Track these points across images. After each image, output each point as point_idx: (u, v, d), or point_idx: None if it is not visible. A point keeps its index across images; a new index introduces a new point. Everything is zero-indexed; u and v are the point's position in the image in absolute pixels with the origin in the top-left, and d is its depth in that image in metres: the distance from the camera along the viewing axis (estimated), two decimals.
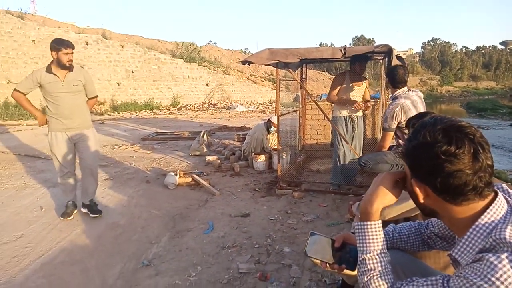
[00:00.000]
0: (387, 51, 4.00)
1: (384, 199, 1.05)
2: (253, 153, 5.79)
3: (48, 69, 3.30)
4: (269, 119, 5.97)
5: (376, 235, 1.06)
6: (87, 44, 16.01)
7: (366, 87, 4.66)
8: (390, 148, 3.40)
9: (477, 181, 0.86)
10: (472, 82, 55.16)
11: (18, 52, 14.64)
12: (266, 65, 4.42)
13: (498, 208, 0.89)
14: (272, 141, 6.02)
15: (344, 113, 4.51)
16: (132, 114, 15.41)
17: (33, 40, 14.95)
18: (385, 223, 2.17)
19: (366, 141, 6.00)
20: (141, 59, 17.62)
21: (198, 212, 3.80)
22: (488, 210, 0.89)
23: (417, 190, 0.95)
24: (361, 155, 4.53)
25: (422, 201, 0.96)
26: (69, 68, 3.33)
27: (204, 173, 5.30)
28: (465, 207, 0.90)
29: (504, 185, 1.01)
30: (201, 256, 2.82)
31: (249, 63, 4.36)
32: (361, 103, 4.41)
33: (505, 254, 0.80)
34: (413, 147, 0.94)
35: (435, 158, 0.87)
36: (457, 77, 53.79)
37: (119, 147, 7.40)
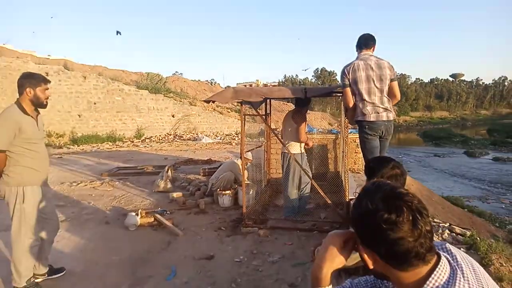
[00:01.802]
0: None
1: (333, 263, 1.06)
2: (218, 189, 5.73)
3: (22, 110, 2.79)
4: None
5: None
6: (47, 75, 15.50)
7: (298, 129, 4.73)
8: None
9: (419, 247, 0.89)
10: (427, 112, 58.76)
11: None
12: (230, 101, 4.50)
13: (442, 273, 0.92)
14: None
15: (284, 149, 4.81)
16: (93, 146, 14.88)
17: None
18: (341, 271, 2.19)
19: (329, 175, 6.16)
20: (104, 90, 17.29)
21: (161, 256, 3.65)
22: (432, 276, 0.92)
23: (366, 257, 0.98)
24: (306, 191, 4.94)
25: (371, 267, 0.98)
26: (44, 107, 2.91)
27: (168, 211, 5.16)
28: (410, 272, 0.93)
29: (447, 245, 1.04)
30: None
31: (213, 101, 4.41)
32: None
33: None
34: (358, 215, 0.97)
35: (378, 226, 0.90)
36: (413, 107, 57.17)
37: (78, 184, 7.07)
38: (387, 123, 3.56)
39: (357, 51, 3.69)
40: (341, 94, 5.18)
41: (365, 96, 3.50)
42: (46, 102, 2.90)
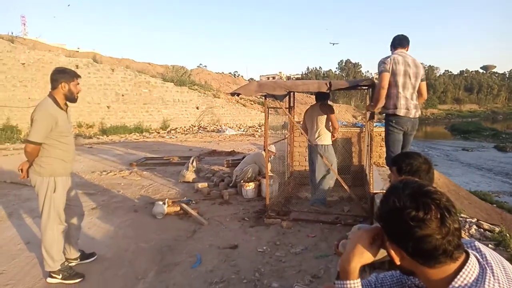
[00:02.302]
0: (371, 84, 4.16)
1: (361, 258, 1.08)
2: (242, 180, 5.81)
3: (57, 103, 2.90)
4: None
5: None
6: (77, 68, 16.05)
7: (325, 110, 5.02)
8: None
9: (447, 245, 0.90)
10: (456, 105, 56.68)
11: (7, 75, 14.58)
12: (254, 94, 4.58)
13: (470, 271, 0.92)
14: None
15: (311, 141, 5.03)
16: (122, 137, 15.34)
17: (23, 64, 14.93)
18: (366, 265, 2.20)
19: (352, 168, 6.11)
20: (132, 83, 17.72)
21: (186, 244, 3.77)
22: (460, 273, 0.92)
23: (393, 253, 0.99)
24: (332, 182, 5.05)
25: (398, 263, 1.00)
26: (75, 101, 3.04)
27: (193, 201, 5.29)
28: (438, 269, 0.94)
29: (476, 243, 1.03)
30: None
31: (238, 94, 4.46)
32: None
33: None
34: (385, 212, 0.99)
35: (405, 223, 0.91)
36: (441, 100, 55.27)
37: (107, 173, 7.34)
38: (413, 120, 3.77)
39: (391, 49, 3.87)
40: (366, 87, 5.20)
41: (400, 89, 3.69)
42: (77, 96, 3.02)
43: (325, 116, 4.92)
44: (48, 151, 2.90)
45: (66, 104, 3.02)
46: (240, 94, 4.35)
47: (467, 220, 4.33)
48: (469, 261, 0.94)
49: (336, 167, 4.92)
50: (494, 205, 8.43)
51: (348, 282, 1.09)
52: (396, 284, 1.29)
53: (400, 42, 3.81)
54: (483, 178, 13.63)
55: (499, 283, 0.90)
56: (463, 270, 0.92)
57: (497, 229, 3.96)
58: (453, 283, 0.92)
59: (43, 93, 3.19)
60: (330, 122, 4.95)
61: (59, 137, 2.91)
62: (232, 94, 4.42)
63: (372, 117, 4.44)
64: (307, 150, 5.52)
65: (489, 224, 4.20)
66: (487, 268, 0.93)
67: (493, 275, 0.91)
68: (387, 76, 3.66)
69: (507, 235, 3.73)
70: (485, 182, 13.01)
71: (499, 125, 38.95)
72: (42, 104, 2.88)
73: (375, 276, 1.36)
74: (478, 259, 0.96)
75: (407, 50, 3.82)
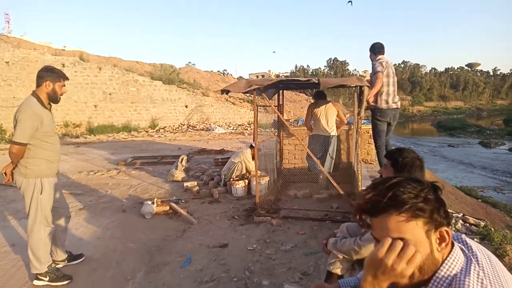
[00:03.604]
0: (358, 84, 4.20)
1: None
2: (231, 179, 5.80)
3: (41, 102, 2.83)
4: (251, 145, 6.03)
5: None
6: (63, 66, 15.79)
7: (335, 107, 5.80)
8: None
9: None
10: (442, 102, 57.51)
11: None
12: (243, 93, 4.58)
13: (455, 260, 0.93)
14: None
15: (319, 133, 5.72)
16: (109, 136, 15.15)
17: (7, 62, 14.62)
18: (355, 263, 2.21)
19: (341, 166, 6.16)
20: (119, 81, 17.51)
21: (176, 244, 3.75)
22: (445, 263, 0.93)
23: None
24: (331, 167, 5.68)
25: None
26: (57, 103, 2.97)
27: (182, 200, 5.26)
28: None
29: (463, 236, 1.05)
30: None
31: (227, 92, 4.45)
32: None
33: None
34: (379, 184, 0.98)
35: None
36: (427, 97, 56.03)
37: (95, 173, 7.25)
38: (394, 112, 4.64)
39: (373, 55, 4.64)
40: (354, 86, 5.30)
41: (391, 87, 4.54)
42: (60, 98, 2.95)
43: (336, 111, 5.72)
44: (34, 151, 2.82)
45: (49, 104, 2.95)
46: (230, 91, 4.34)
47: (454, 215, 4.41)
48: (453, 251, 0.95)
49: (318, 165, 5.12)
50: (479, 200, 8.60)
51: None
52: None
53: (379, 50, 4.62)
54: (469, 174, 13.88)
55: (483, 271, 0.91)
56: (447, 259, 0.93)
57: (482, 224, 4.05)
58: (438, 272, 0.93)
59: (28, 92, 3.17)
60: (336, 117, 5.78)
61: (44, 137, 2.84)
62: (222, 91, 4.41)
63: (368, 108, 4.68)
64: (308, 141, 5.91)
65: (474, 219, 4.29)
66: (472, 259, 0.94)
67: (478, 264, 0.92)
68: (382, 76, 4.43)
69: (492, 229, 3.82)
70: (471, 177, 13.25)
71: (483, 121, 39.73)
72: (26, 103, 2.79)
73: (358, 279, 1.36)
74: (463, 250, 0.97)
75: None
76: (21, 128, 2.71)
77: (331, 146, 5.66)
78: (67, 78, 3.01)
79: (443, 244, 0.93)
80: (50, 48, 18.93)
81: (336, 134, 5.79)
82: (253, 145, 5.96)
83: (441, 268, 0.93)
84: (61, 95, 2.96)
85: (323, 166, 5.31)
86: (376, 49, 4.61)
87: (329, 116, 5.69)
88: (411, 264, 0.87)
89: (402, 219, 0.90)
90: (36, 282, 2.92)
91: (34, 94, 2.85)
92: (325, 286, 1.25)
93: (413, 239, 0.90)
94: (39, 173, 2.85)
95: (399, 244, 0.88)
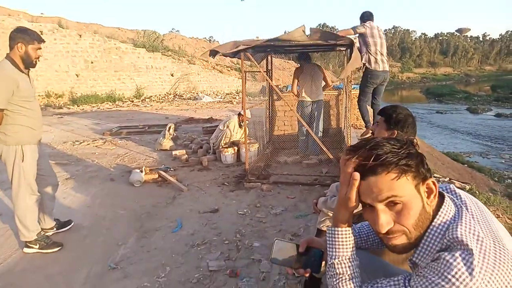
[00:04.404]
0: (349, 44, 4.10)
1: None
2: (221, 146, 5.76)
3: (16, 66, 2.68)
4: (240, 113, 5.94)
5: (347, 240, 1.08)
6: (42, 34, 15.00)
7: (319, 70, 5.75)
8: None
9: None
10: (431, 69, 57.51)
11: None
12: (231, 57, 4.49)
13: (447, 210, 0.97)
14: (242, 134, 6.01)
15: (306, 98, 5.65)
16: (93, 107, 14.78)
17: None
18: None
19: (330, 131, 6.16)
20: (101, 49, 16.85)
21: (166, 210, 3.74)
22: (439, 213, 0.96)
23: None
24: (320, 132, 5.67)
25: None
26: (33, 67, 2.81)
27: (171, 168, 5.21)
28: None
29: (452, 186, 1.09)
30: (170, 256, 2.79)
31: (215, 53, 4.33)
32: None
33: (459, 252, 0.85)
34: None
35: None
36: (417, 64, 55.92)
37: (80, 143, 7.10)
38: (385, 74, 4.85)
39: (363, 22, 4.82)
40: (344, 49, 5.24)
41: (378, 48, 4.70)
42: (36, 62, 2.78)
43: (322, 74, 5.67)
44: (13, 118, 2.70)
45: (29, 68, 2.80)
46: (218, 53, 4.23)
47: (440, 179, 4.51)
48: (445, 202, 0.99)
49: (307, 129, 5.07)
50: (465, 165, 8.79)
51: (340, 229, 1.09)
52: (373, 232, 1.30)
53: (368, 17, 4.85)
54: (457, 140, 14.13)
55: (473, 216, 0.95)
56: (441, 210, 0.97)
57: (467, 187, 4.17)
58: (433, 222, 0.96)
59: None
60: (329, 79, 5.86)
61: (22, 103, 2.71)
62: (210, 52, 4.28)
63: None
64: (298, 108, 5.66)
65: (460, 183, 4.41)
66: (462, 206, 0.98)
67: (468, 210, 0.97)
68: (352, 32, 4.71)
69: (477, 192, 3.96)
70: (458, 143, 13.50)
71: (471, 87, 40.01)
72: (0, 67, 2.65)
73: (352, 227, 1.36)
74: (453, 200, 1.02)
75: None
76: None
77: (318, 111, 5.65)
78: (42, 41, 2.82)
79: (432, 196, 0.96)
80: (26, 15, 17.93)
81: (323, 99, 5.76)
82: (241, 113, 5.87)
83: (435, 220, 0.96)
84: (37, 58, 2.78)
85: (313, 131, 5.28)
86: (365, 17, 4.87)
87: (315, 80, 5.62)
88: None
89: (394, 177, 0.91)
90: (26, 250, 2.89)
91: (8, 57, 2.70)
92: (315, 239, 1.25)
93: (406, 195, 0.92)
94: (20, 140, 2.75)
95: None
